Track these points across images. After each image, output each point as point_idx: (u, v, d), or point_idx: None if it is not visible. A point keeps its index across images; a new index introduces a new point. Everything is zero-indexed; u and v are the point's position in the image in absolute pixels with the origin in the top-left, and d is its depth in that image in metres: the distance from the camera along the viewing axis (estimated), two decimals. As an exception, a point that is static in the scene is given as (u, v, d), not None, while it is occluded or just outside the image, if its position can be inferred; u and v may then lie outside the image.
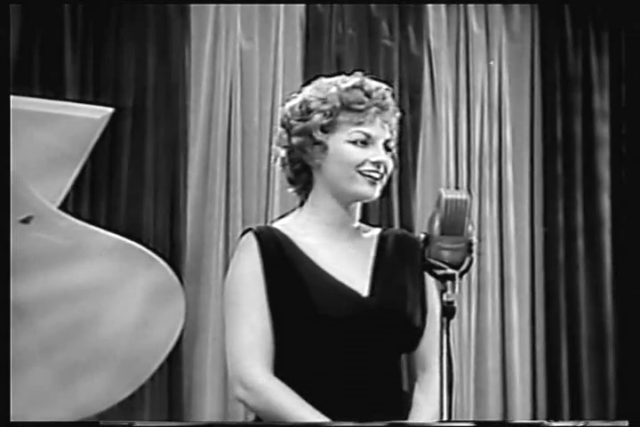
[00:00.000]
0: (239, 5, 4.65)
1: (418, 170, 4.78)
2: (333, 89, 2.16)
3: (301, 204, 2.24)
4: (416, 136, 4.78)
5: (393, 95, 2.21)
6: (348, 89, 2.15)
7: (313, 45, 4.72)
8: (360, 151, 2.13)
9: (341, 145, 2.13)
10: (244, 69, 4.64)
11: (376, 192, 2.15)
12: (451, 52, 4.96)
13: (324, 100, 2.15)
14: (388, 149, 2.17)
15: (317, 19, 4.73)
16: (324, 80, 2.21)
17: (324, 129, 2.14)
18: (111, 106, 1.80)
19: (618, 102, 4.98)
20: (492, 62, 4.94)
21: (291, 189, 2.25)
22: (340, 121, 2.14)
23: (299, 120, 2.16)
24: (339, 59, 4.70)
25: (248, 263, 2.11)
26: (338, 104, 2.13)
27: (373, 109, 2.14)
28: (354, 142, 2.13)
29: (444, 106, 4.88)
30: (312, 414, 2.00)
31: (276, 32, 4.69)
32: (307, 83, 2.25)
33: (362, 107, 2.13)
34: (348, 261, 2.15)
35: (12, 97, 1.69)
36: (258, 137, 4.58)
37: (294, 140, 2.16)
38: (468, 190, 4.73)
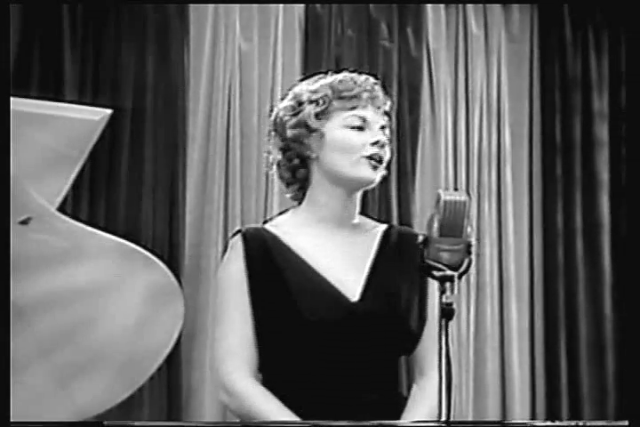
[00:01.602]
0: (238, 6, 4.65)
1: (417, 171, 4.79)
2: (322, 81, 2.18)
3: (299, 204, 2.23)
4: (415, 137, 4.78)
5: (383, 86, 2.22)
6: (336, 79, 2.18)
7: (312, 46, 4.72)
8: (357, 135, 2.12)
9: (338, 131, 2.13)
10: (243, 70, 4.64)
11: (377, 177, 2.14)
12: (450, 52, 4.96)
13: (315, 91, 2.16)
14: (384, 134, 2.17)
15: (316, 20, 4.73)
16: (312, 78, 2.24)
17: (319, 117, 2.14)
18: (110, 107, 1.79)
19: (617, 103, 4.98)
20: None
21: (289, 195, 2.24)
22: (333, 108, 2.14)
23: (292, 115, 2.17)
24: (338, 60, 4.70)
25: (233, 267, 2.11)
26: (329, 92, 2.15)
27: (365, 95, 2.15)
28: (350, 127, 2.13)
29: (443, 107, 4.88)
30: (289, 419, 1.98)
31: (275, 33, 4.69)
32: (291, 88, 2.26)
33: (353, 93, 2.14)
34: (344, 261, 2.13)
35: (10, 98, 1.69)
36: (257, 138, 4.58)
37: (289, 133, 2.15)
38: (467, 192, 4.72)
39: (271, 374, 2.09)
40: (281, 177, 2.22)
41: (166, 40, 4.50)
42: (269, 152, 2.22)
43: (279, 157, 2.20)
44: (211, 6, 4.64)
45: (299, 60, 4.72)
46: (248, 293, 2.08)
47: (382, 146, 2.13)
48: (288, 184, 2.22)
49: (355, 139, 2.12)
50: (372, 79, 2.20)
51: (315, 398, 2.04)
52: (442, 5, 4.97)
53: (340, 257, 2.14)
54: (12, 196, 1.66)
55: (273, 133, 2.21)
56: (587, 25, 5.05)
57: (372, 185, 2.16)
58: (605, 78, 5.03)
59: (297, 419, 1.99)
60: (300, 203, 2.22)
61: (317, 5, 4.74)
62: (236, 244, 2.12)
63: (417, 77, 4.84)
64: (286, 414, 2.00)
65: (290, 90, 2.24)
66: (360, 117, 2.14)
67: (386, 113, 2.20)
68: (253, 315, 2.07)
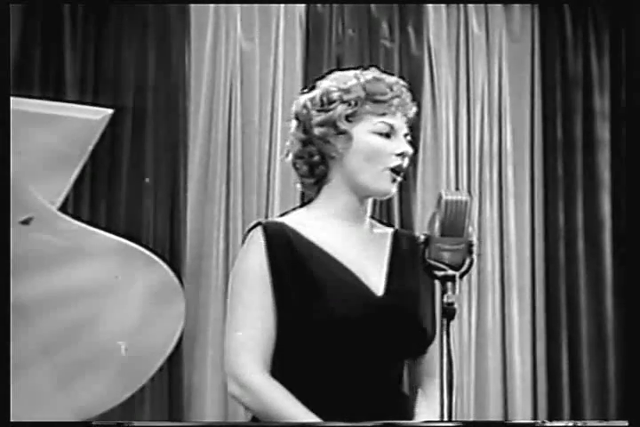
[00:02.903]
0: (239, 6, 4.65)
1: (418, 171, 4.78)
2: (354, 80, 2.15)
3: (308, 202, 2.21)
4: (416, 137, 4.76)
5: (410, 90, 2.20)
6: (369, 81, 2.15)
7: (313, 46, 4.72)
8: (384, 142, 2.11)
9: (366, 135, 2.12)
10: (243, 70, 4.64)
11: (394, 189, 2.13)
12: (451, 52, 4.96)
13: (347, 91, 2.13)
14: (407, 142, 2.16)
15: (317, 19, 4.73)
16: (342, 73, 2.20)
17: (349, 119, 2.12)
18: (111, 106, 1.79)
19: (618, 103, 4.98)
20: None
21: (301, 183, 2.20)
22: (364, 111, 2.12)
23: (320, 111, 2.14)
24: (339, 59, 4.70)
25: (254, 259, 2.07)
26: (362, 94, 2.12)
27: (396, 101, 2.14)
28: (378, 133, 2.12)
29: (445, 106, 4.88)
30: (305, 415, 1.97)
31: (276, 33, 4.69)
32: (321, 77, 2.22)
33: (385, 98, 2.13)
34: (364, 256, 2.12)
35: (11, 98, 1.69)
36: (258, 137, 4.58)
37: (316, 130, 2.13)
38: (468, 191, 4.73)
39: (288, 367, 2.06)
40: (297, 168, 2.19)
41: (167, 40, 4.50)
42: (292, 137, 2.19)
43: (299, 147, 2.17)
44: (211, 6, 4.63)
45: (300, 60, 4.72)
46: (270, 285, 2.05)
47: (406, 157, 2.13)
48: (303, 177, 2.19)
49: (382, 147, 2.10)
50: (401, 82, 2.19)
51: (327, 393, 2.03)
52: (443, 5, 4.96)
53: (359, 253, 2.13)
54: (13, 195, 1.67)
55: (295, 123, 2.18)
56: (587, 24, 5.05)
57: (387, 197, 2.16)
58: (606, 78, 5.03)
59: (311, 415, 1.98)
60: (309, 200, 2.20)
61: (318, 5, 4.74)
62: (257, 236, 2.08)
63: (418, 77, 4.83)
64: (300, 409, 1.99)
65: (312, 87, 2.20)
66: (388, 125, 2.12)
67: (409, 119, 2.19)
68: (275, 308, 2.05)
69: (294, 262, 2.06)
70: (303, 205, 2.24)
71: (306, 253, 2.07)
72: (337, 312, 2.01)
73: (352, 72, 2.19)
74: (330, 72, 2.24)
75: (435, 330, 2.12)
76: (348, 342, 2.03)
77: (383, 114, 2.12)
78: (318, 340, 2.04)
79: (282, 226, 2.11)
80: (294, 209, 2.24)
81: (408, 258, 2.16)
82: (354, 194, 2.14)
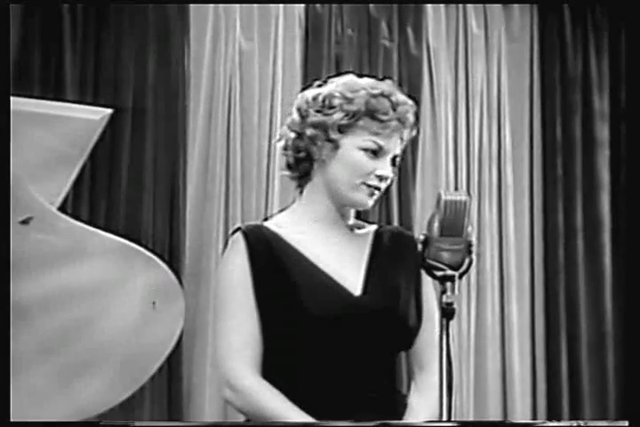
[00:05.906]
0: (238, 6, 4.65)
1: (417, 171, 4.78)
2: (362, 92, 2.14)
3: (291, 203, 2.23)
4: (415, 137, 4.75)
5: (416, 113, 2.19)
6: (376, 95, 2.14)
7: (312, 46, 4.72)
8: (368, 161, 2.12)
9: (352, 150, 2.12)
10: (243, 70, 4.64)
11: (371, 202, 2.15)
12: (450, 52, 4.96)
13: (350, 101, 2.13)
14: (393, 164, 2.17)
15: (317, 19, 4.73)
16: (354, 79, 2.20)
17: (341, 129, 2.12)
18: (111, 106, 1.80)
19: (617, 103, 4.98)
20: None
21: (286, 173, 2.22)
22: (358, 125, 2.12)
23: (318, 112, 2.14)
24: (338, 59, 4.70)
25: (236, 264, 2.10)
26: (363, 108, 2.12)
27: (394, 123, 2.13)
28: (365, 150, 2.12)
29: (444, 106, 4.88)
30: (298, 416, 1.99)
31: (276, 32, 4.69)
32: (335, 75, 2.23)
33: (384, 118, 2.12)
34: (342, 259, 2.15)
35: (11, 98, 1.69)
36: (257, 137, 4.58)
37: (308, 130, 2.14)
38: (468, 191, 4.73)
39: (276, 369, 2.08)
40: (285, 155, 2.20)
41: (167, 40, 4.50)
42: (288, 126, 2.19)
43: (291, 138, 2.18)
44: (211, 6, 4.63)
45: (299, 60, 4.72)
46: (252, 288, 2.08)
47: (385, 179, 2.14)
48: (289, 168, 2.20)
49: (365, 164, 2.11)
50: (409, 103, 2.17)
51: (317, 393, 2.04)
52: (442, 5, 4.96)
53: (338, 255, 2.15)
54: (13, 195, 1.67)
55: (295, 114, 2.18)
56: (587, 24, 5.05)
57: (364, 208, 2.17)
58: (605, 78, 5.03)
59: (304, 415, 2.00)
60: (300, 192, 2.22)
61: (317, 5, 4.74)
62: (238, 240, 2.12)
63: (417, 77, 4.83)
64: (293, 411, 2.00)
65: (320, 84, 2.19)
66: (378, 144, 2.11)
67: (403, 140, 2.18)
68: (258, 311, 2.07)
69: (274, 266, 2.09)
70: (287, 207, 2.26)
71: (285, 257, 2.10)
72: (312, 313, 2.04)
73: (364, 81, 2.18)
74: (348, 72, 2.25)
75: (419, 324, 2.15)
76: (329, 342, 2.06)
77: (377, 133, 2.12)
78: (300, 341, 2.07)
79: (262, 229, 2.14)
80: (280, 211, 2.27)
81: (389, 254, 2.19)
82: (332, 199, 2.16)
